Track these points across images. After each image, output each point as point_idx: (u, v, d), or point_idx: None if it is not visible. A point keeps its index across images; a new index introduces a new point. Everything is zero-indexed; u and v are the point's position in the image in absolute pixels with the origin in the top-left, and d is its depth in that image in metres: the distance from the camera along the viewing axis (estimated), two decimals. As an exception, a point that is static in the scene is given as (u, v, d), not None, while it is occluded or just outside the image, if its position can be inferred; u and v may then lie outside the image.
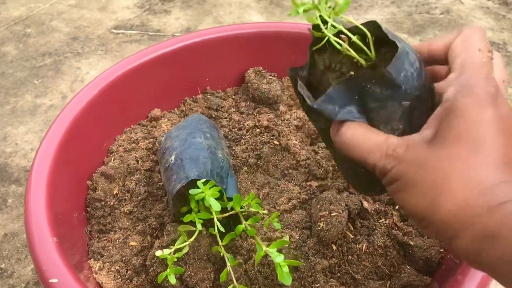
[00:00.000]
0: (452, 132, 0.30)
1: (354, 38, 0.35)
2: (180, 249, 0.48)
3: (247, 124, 0.67)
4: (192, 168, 0.51)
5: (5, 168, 0.96)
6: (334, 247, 0.51)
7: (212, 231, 0.48)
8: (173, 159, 0.54)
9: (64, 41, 1.34)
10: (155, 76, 0.71)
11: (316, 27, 0.36)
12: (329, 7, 0.36)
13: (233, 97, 0.76)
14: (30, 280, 0.78)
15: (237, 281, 0.48)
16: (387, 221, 0.54)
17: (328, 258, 0.50)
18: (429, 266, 0.50)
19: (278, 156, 0.63)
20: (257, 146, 0.64)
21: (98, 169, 0.62)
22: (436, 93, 0.34)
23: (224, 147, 0.60)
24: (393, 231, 0.52)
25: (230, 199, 0.51)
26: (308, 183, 0.59)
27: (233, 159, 0.63)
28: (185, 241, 0.48)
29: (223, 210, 0.49)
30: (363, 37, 0.36)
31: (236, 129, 0.68)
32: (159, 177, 0.62)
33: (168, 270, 0.46)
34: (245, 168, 0.62)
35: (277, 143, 0.63)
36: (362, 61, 0.35)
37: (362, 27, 0.35)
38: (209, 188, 0.47)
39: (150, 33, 1.37)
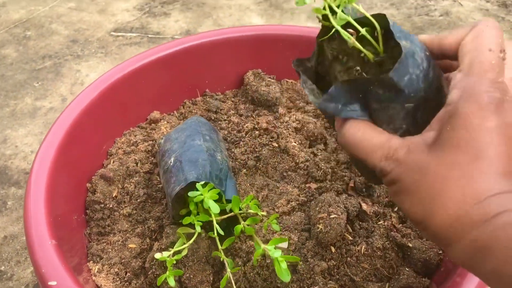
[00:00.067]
0: (453, 138, 0.29)
1: (363, 31, 0.34)
2: (179, 252, 0.48)
3: (246, 127, 0.67)
4: (191, 171, 0.51)
5: (5, 170, 0.97)
6: (333, 249, 0.51)
7: (212, 234, 0.48)
8: (172, 161, 0.54)
9: (64, 44, 1.34)
10: (154, 79, 0.72)
11: (325, 16, 0.35)
12: None
13: (232, 99, 0.77)
14: (29, 283, 0.78)
15: (235, 283, 0.48)
16: (385, 223, 0.54)
17: (327, 260, 0.50)
18: (427, 268, 0.50)
19: (277, 158, 0.63)
20: (256, 148, 0.64)
21: (97, 172, 0.63)
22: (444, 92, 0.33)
23: (223, 150, 0.60)
24: (392, 233, 0.52)
25: (229, 201, 0.51)
26: (307, 185, 0.59)
27: (232, 161, 0.63)
28: (184, 244, 0.48)
29: (222, 212, 0.49)
30: (372, 27, 0.34)
31: (235, 132, 0.68)
32: (158, 179, 0.62)
33: (167, 272, 0.46)
34: (244, 170, 0.62)
35: (276, 145, 0.64)
36: (370, 56, 0.34)
37: (372, 19, 0.34)
38: (208, 190, 0.47)
39: (149, 36, 1.37)
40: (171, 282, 0.45)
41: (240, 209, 0.49)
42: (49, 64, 1.26)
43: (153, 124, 0.72)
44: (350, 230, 0.53)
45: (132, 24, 1.42)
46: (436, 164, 0.30)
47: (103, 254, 0.54)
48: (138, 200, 0.60)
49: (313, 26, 1.35)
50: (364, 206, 0.54)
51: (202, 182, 0.48)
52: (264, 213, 0.55)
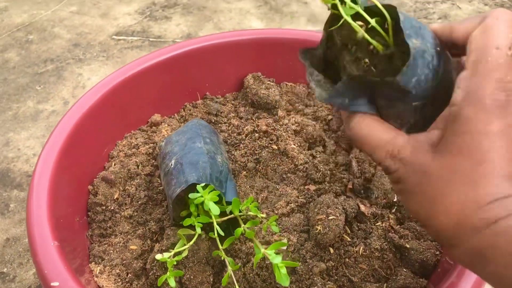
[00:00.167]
0: (456, 141, 0.29)
1: (373, 22, 0.32)
2: (179, 253, 0.48)
3: (246, 129, 0.68)
4: (192, 173, 0.52)
5: (7, 173, 0.97)
6: (332, 250, 0.51)
7: (212, 235, 0.49)
8: (173, 163, 0.55)
9: (66, 48, 1.35)
10: (155, 82, 0.72)
11: (334, 5, 0.33)
12: None
13: (232, 102, 0.77)
14: (31, 285, 0.78)
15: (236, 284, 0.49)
16: (383, 224, 0.54)
17: (325, 261, 0.51)
18: (425, 269, 0.50)
19: (277, 161, 0.64)
20: (256, 150, 0.65)
21: (99, 174, 0.63)
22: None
23: (223, 152, 0.61)
24: (390, 234, 0.53)
25: (229, 203, 0.52)
26: (306, 187, 0.60)
27: (232, 164, 0.64)
28: (185, 245, 0.49)
29: (222, 214, 0.50)
30: (382, 16, 0.33)
31: (235, 134, 0.69)
32: (159, 181, 0.63)
33: (168, 273, 0.46)
34: (244, 172, 0.63)
35: (276, 147, 0.64)
36: (379, 48, 0.33)
37: (383, 9, 0.32)
38: (209, 192, 0.48)
39: (151, 39, 1.38)
40: (172, 283, 0.46)
41: (240, 211, 0.50)
42: (51, 67, 1.27)
43: (154, 127, 0.73)
44: (349, 231, 0.54)
45: (134, 27, 1.43)
46: (439, 167, 0.29)
47: (104, 256, 0.55)
48: (139, 202, 0.60)
49: (313, 30, 1.36)
50: (362, 208, 0.55)
51: (203, 184, 0.49)
52: (264, 215, 0.55)
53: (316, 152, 0.65)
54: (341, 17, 0.33)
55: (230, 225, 0.53)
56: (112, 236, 0.58)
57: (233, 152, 0.66)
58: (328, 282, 0.49)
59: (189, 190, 0.50)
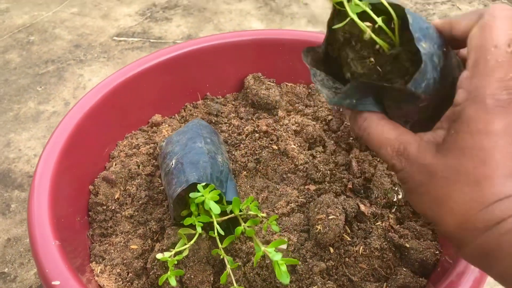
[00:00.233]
0: (459, 142, 0.29)
1: (380, 22, 0.32)
2: (180, 252, 0.48)
3: (247, 129, 0.68)
4: (192, 172, 0.52)
5: (8, 173, 0.98)
6: (332, 250, 0.52)
7: (212, 234, 0.49)
8: (173, 163, 0.55)
9: (67, 49, 1.36)
10: (156, 83, 0.73)
11: (340, 2, 0.33)
12: None
13: (233, 102, 0.78)
14: (32, 285, 0.78)
15: (235, 283, 0.49)
16: (383, 224, 0.54)
17: (325, 260, 0.51)
18: (424, 268, 0.51)
19: (277, 161, 0.64)
20: (256, 150, 0.65)
21: (100, 174, 0.64)
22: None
23: (223, 152, 0.61)
24: (390, 233, 0.53)
25: (229, 203, 0.52)
26: (306, 187, 0.60)
27: (232, 164, 0.64)
28: (185, 244, 0.49)
29: (223, 213, 0.50)
30: (386, 13, 0.32)
31: (235, 134, 0.69)
32: (160, 181, 0.63)
33: (168, 272, 0.47)
34: (245, 172, 0.63)
35: (276, 147, 0.64)
36: (385, 47, 0.33)
37: (390, 8, 0.32)
38: (209, 192, 0.48)
39: (151, 40, 1.38)
40: (172, 282, 0.46)
41: (240, 211, 0.50)
42: (52, 68, 1.28)
43: (154, 127, 0.73)
44: (349, 231, 0.54)
45: (134, 29, 1.44)
46: (443, 167, 0.30)
47: (105, 255, 0.55)
48: (140, 202, 0.60)
49: (313, 31, 1.36)
50: (362, 207, 0.55)
51: (203, 184, 0.49)
52: (264, 214, 0.55)
53: (316, 152, 0.65)
54: (345, 12, 0.33)
55: (230, 225, 0.54)
56: (113, 235, 0.58)
57: (233, 152, 0.66)
58: (328, 281, 0.49)
59: (189, 190, 0.50)
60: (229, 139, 0.68)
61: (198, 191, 0.48)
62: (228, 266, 0.47)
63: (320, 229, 0.51)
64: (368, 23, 0.33)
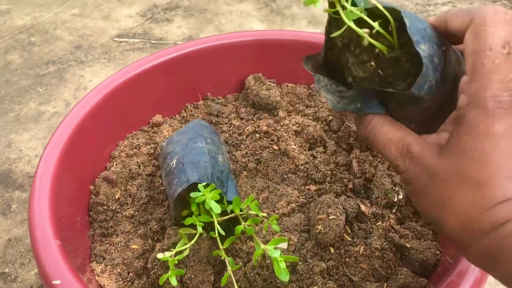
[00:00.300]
0: (461, 144, 0.29)
1: (377, 27, 0.32)
2: (180, 252, 0.48)
3: (247, 130, 0.69)
4: (193, 172, 0.52)
5: (9, 174, 0.98)
6: (332, 250, 0.52)
7: (213, 234, 0.49)
8: (174, 163, 0.55)
9: (68, 50, 1.36)
10: (156, 83, 0.73)
11: (331, 5, 0.33)
12: None
13: (233, 103, 0.78)
14: (33, 285, 0.78)
15: (236, 283, 0.49)
16: (384, 224, 0.54)
17: (326, 260, 0.51)
18: (425, 268, 0.51)
19: (277, 161, 0.64)
20: (257, 151, 0.65)
21: (100, 174, 0.64)
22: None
23: (224, 152, 0.61)
24: (390, 234, 0.53)
25: (230, 203, 0.52)
26: (307, 187, 0.60)
27: (233, 164, 0.64)
28: (186, 244, 0.49)
29: (223, 213, 0.50)
30: (382, 17, 0.32)
31: (236, 135, 0.69)
32: (160, 181, 0.63)
33: (169, 272, 0.47)
34: (245, 172, 0.63)
35: (276, 148, 0.65)
36: (385, 51, 0.33)
37: (386, 12, 0.32)
38: (210, 191, 0.48)
39: (152, 41, 1.39)
40: (173, 281, 0.46)
41: (240, 210, 0.50)
42: (53, 69, 1.28)
43: (155, 128, 0.73)
44: (349, 231, 0.54)
45: (135, 30, 1.44)
46: (445, 170, 0.30)
47: (106, 255, 0.55)
48: (141, 202, 0.61)
49: (314, 32, 1.36)
50: (363, 208, 0.55)
51: (204, 183, 0.49)
52: (265, 214, 0.55)
53: (316, 152, 0.65)
54: (341, 18, 0.33)
55: (231, 225, 0.54)
56: (114, 235, 0.58)
57: (234, 153, 0.66)
58: (329, 281, 0.49)
59: (190, 190, 0.50)
60: (229, 140, 0.68)
61: (199, 191, 0.48)
62: (229, 267, 0.47)
63: (320, 229, 0.51)
64: (365, 29, 0.33)
